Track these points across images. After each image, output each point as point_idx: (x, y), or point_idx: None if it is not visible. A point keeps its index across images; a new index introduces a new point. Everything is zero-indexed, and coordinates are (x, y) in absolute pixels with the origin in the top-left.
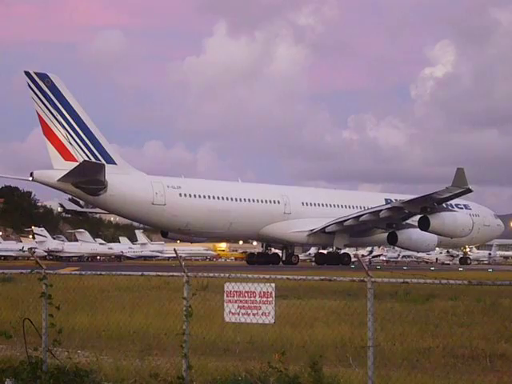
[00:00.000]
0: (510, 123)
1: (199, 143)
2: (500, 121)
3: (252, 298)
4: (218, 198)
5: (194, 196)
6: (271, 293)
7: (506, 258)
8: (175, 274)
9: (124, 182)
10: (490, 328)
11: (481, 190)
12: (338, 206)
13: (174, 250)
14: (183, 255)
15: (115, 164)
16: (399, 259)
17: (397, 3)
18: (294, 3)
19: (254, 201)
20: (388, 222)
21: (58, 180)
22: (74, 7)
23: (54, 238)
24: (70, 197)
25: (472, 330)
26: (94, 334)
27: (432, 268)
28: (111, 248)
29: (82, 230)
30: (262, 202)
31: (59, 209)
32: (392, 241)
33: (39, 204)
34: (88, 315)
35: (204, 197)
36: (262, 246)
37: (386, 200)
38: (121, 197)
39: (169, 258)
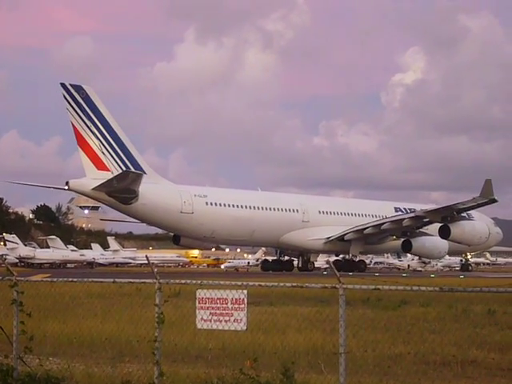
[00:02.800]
0: (479, 130)
1: (170, 149)
2: (469, 127)
3: (224, 305)
4: (242, 206)
5: (220, 205)
6: (243, 299)
7: (478, 264)
8: (147, 280)
9: (154, 191)
10: (462, 334)
11: (451, 196)
12: (352, 214)
13: (146, 256)
14: (155, 262)
15: (145, 173)
16: (371, 265)
17: (367, 10)
18: (263, 9)
19: (275, 209)
20: (404, 230)
21: (93, 189)
22: (45, 13)
23: (26, 245)
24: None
25: (443, 336)
26: (66, 341)
27: (404, 274)
28: (83, 255)
29: (54, 237)
30: (282, 210)
31: (31, 215)
32: (406, 248)
33: (10, 210)
34: (59, 322)
35: (229, 205)
36: (276, 253)
37: (395, 209)
38: (152, 205)
39: (141, 264)
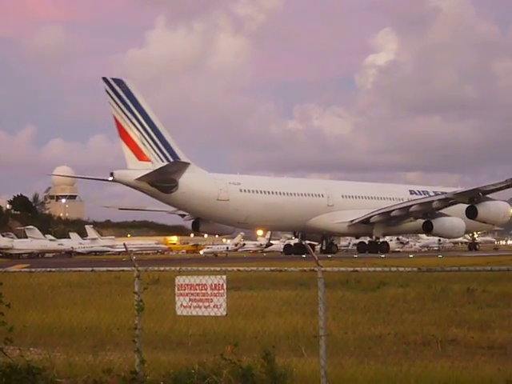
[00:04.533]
0: (452, 110)
1: None
2: (443, 108)
3: (203, 291)
4: (273, 192)
5: (253, 191)
6: (222, 285)
7: (455, 243)
8: (126, 268)
9: (192, 179)
10: (441, 314)
11: (427, 176)
12: (372, 197)
13: (124, 244)
14: (134, 249)
15: (169, 163)
16: (350, 247)
17: None
18: None
19: (302, 195)
20: (425, 212)
21: (137, 179)
22: (14, 1)
23: (4, 236)
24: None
25: (423, 316)
26: (46, 330)
27: (382, 255)
28: (61, 244)
29: (32, 227)
30: (309, 195)
31: (8, 206)
32: (427, 229)
33: None
34: (39, 312)
35: (261, 192)
36: (297, 237)
37: (410, 191)
38: (191, 194)
39: (120, 252)
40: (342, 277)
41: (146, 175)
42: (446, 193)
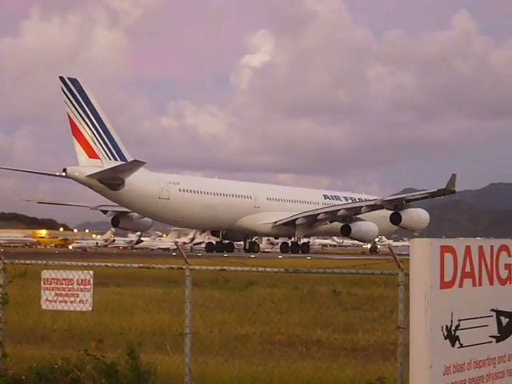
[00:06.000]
0: (324, 113)
1: (15, 127)
2: (316, 111)
3: (70, 286)
4: (208, 193)
5: (191, 191)
6: (89, 280)
7: (324, 246)
8: None
9: (137, 178)
10: (307, 315)
11: (298, 178)
12: (292, 201)
13: None
14: (1, 242)
15: (128, 161)
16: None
17: None
18: None
19: (233, 196)
20: (346, 216)
21: (87, 176)
22: None
23: None
24: None
25: (289, 316)
26: None
27: (252, 255)
28: None
29: None
30: (239, 197)
31: None
32: (346, 232)
33: None
34: None
35: (197, 192)
36: (215, 236)
37: (324, 196)
38: (136, 192)
39: None
40: (212, 275)
41: (97, 172)
42: (359, 200)
